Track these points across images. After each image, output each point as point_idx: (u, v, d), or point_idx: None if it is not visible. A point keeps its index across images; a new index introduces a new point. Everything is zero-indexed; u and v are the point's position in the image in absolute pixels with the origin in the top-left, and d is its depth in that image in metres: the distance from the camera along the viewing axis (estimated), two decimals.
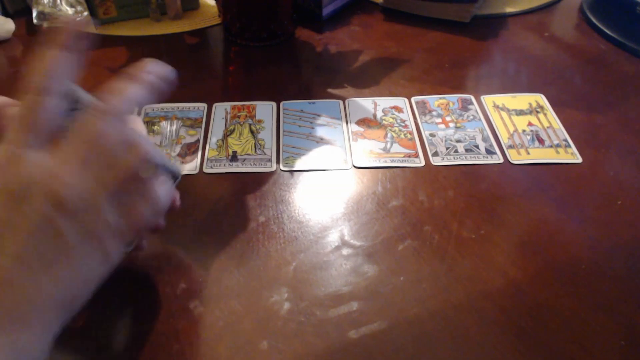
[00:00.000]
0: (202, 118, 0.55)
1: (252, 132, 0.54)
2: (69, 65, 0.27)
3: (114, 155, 0.27)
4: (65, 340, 0.30)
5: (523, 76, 0.63)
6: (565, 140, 0.53)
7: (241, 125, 0.55)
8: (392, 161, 0.51)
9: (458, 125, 0.55)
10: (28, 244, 0.24)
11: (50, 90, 0.26)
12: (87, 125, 0.26)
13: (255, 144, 0.52)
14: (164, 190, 0.31)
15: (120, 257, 0.29)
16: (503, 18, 0.75)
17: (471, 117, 0.56)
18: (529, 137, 0.53)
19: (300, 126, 0.55)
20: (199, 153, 0.51)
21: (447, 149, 0.52)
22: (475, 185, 0.48)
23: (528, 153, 0.52)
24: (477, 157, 0.51)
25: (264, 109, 0.57)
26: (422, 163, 0.50)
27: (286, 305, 0.38)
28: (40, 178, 0.24)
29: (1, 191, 0.24)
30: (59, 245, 0.24)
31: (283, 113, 0.56)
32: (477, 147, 0.52)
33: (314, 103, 0.58)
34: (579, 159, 0.51)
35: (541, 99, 0.59)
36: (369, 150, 0.52)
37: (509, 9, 0.76)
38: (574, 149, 0.52)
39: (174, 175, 0.35)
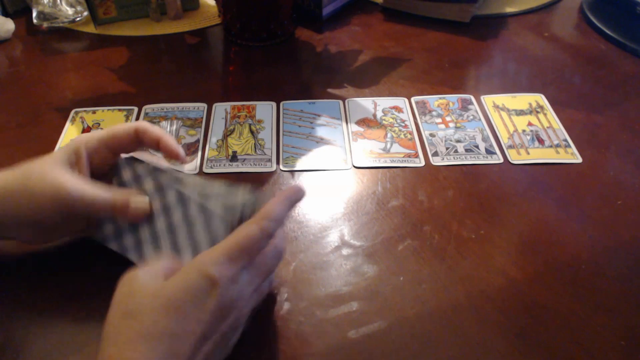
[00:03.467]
0: (202, 118, 0.55)
1: (252, 132, 0.54)
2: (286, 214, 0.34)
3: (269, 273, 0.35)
4: (66, 340, 0.30)
5: (523, 76, 0.63)
6: (565, 140, 0.53)
7: (241, 125, 0.55)
8: (392, 161, 0.51)
9: (458, 125, 0.55)
10: (214, 347, 0.30)
11: (271, 234, 0.33)
12: (267, 262, 0.34)
13: (255, 144, 0.52)
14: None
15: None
16: (503, 18, 0.75)
17: (471, 117, 0.56)
18: (529, 137, 0.53)
19: (300, 126, 0.55)
20: (199, 153, 0.51)
21: (447, 149, 0.52)
22: (475, 185, 0.48)
23: (528, 153, 0.52)
24: (477, 157, 0.51)
25: (264, 109, 0.57)
26: (422, 163, 0.50)
27: (286, 305, 0.38)
28: (237, 304, 0.31)
29: (219, 306, 0.30)
30: (223, 344, 0.32)
31: (283, 113, 0.56)
32: (477, 147, 0.52)
33: (314, 103, 0.58)
34: (579, 159, 0.51)
35: (541, 99, 0.59)
36: (369, 150, 0.52)
37: (509, 9, 0.76)
38: (574, 149, 0.52)
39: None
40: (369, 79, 0.62)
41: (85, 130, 0.54)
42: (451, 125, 0.55)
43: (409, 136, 0.54)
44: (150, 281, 0.30)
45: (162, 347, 0.28)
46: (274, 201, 0.33)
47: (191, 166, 0.50)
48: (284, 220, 0.34)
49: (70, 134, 0.53)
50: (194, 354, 0.29)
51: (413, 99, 0.58)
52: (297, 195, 0.35)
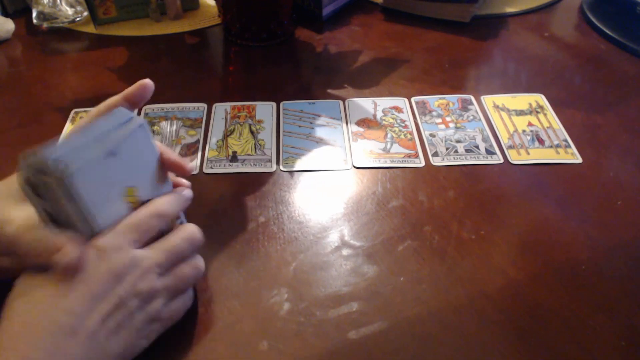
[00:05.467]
0: (202, 118, 0.55)
1: (252, 132, 0.54)
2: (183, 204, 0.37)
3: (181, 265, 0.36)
4: None
5: (523, 76, 0.63)
6: (565, 140, 0.53)
7: (241, 125, 0.55)
8: (392, 161, 0.51)
9: (458, 125, 0.55)
10: (112, 311, 0.31)
11: (162, 213, 0.35)
12: (171, 239, 0.35)
13: (255, 144, 0.52)
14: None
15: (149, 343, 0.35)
16: (503, 18, 0.75)
17: (471, 117, 0.56)
18: (529, 138, 0.53)
19: (300, 126, 0.55)
20: (199, 153, 0.51)
21: (447, 149, 0.52)
22: (475, 185, 0.48)
23: (528, 153, 0.52)
24: (477, 158, 0.51)
25: (264, 109, 0.57)
26: (422, 163, 0.50)
27: (286, 306, 0.38)
28: (133, 270, 0.32)
29: (108, 270, 0.31)
30: (127, 321, 0.32)
31: (283, 113, 0.56)
32: (477, 147, 0.52)
33: (314, 103, 0.58)
34: (579, 159, 0.51)
35: (541, 99, 0.59)
36: (369, 150, 0.52)
37: (509, 9, 0.76)
38: (574, 149, 0.52)
39: None
40: (369, 79, 0.62)
41: None
42: (451, 125, 0.55)
43: (409, 136, 0.54)
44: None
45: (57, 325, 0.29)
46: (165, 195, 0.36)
47: (191, 166, 0.50)
48: (178, 204, 0.36)
49: None
50: (87, 315, 0.30)
51: (413, 99, 0.58)
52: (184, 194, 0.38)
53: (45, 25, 0.70)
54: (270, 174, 0.49)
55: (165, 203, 0.35)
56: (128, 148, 0.32)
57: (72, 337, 0.29)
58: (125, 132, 0.32)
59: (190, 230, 0.36)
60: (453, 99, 0.59)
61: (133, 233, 0.33)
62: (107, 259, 0.31)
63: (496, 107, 0.58)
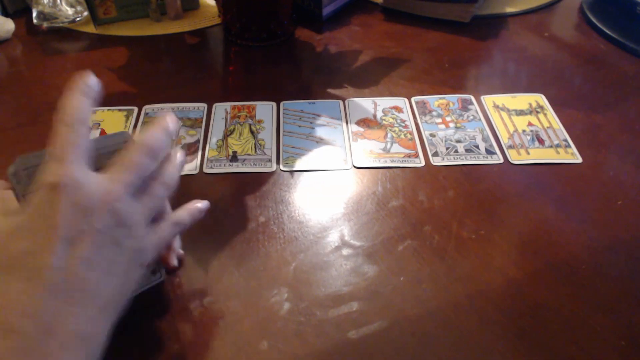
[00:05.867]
0: (202, 118, 0.55)
1: (252, 132, 0.54)
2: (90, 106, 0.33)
3: (151, 183, 0.33)
4: None
5: (523, 76, 0.63)
6: (565, 140, 0.53)
7: (241, 125, 0.55)
8: (392, 161, 0.51)
9: (458, 125, 0.55)
10: (94, 249, 0.28)
11: (85, 122, 0.32)
12: (133, 154, 0.32)
13: (255, 144, 0.52)
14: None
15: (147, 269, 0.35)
16: (503, 18, 0.75)
17: (471, 117, 0.56)
18: (529, 137, 0.53)
19: (300, 126, 0.55)
20: (199, 153, 0.51)
21: (447, 149, 0.52)
22: (475, 185, 0.48)
23: (528, 153, 0.52)
24: (477, 157, 0.51)
25: (264, 109, 0.57)
26: (422, 163, 0.50)
27: (286, 306, 0.38)
28: (103, 195, 0.29)
29: (71, 205, 0.28)
30: (117, 252, 0.30)
31: (283, 113, 0.56)
32: (477, 147, 0.52)
33: (314, 103, 0.58)
34: (579, 159, 0.51)
35: (541, 99, 0.59)
36: (369, 150, 0.52)
37: (509, 9, 0.76)
38: (574, 149, 0.52)
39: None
40: (369, 79, 0.62)
41: None
42: (451, 125, 0.55)
43: (409, 136, 0.54)
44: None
45: (18, 271, 0.27)
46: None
47: (191, 166, 0.50)
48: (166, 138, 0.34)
49: None
50: (67, 263, 0.27)
51: (413, 99, 0.58)
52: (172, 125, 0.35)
53: (45, 25, 0.70)
54: (271, 173, 0.49)
55: (151, 136, 0.33)
56: None
57: (61, 294, 0.27)
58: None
59: (148, 142, 0.33)
60: (453, 99, 0.59)
61: (79, 155, 0.30)
62: (63, 192, 0.28)
63: (496, 107, 0.58)
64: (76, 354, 0.27)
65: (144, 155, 0.33)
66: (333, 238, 0.43)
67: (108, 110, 0.56)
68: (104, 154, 0.32)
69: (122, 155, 0.32)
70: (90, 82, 0.33)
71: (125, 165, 0.32)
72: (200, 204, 0.39)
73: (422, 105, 0.58)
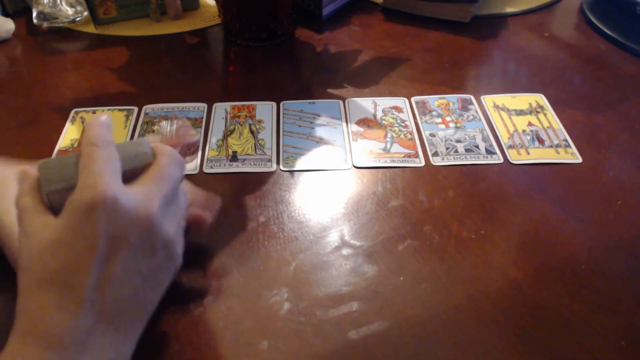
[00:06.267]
0: (202, 118, 0.55)
1: (252, 132, 0.54)
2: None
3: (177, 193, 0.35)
4: None
5: (523, 76, 0.63)
6: (565, 140, 0.53)
7: (241, 125, 0.55)
8: (392, 161, 0.51)
9: (458, 125, 0.55)
10: (129, 263, 0.29)
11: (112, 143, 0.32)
12: (166, 167, 0.33)
13: (255, 144, 0.52)
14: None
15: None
16: (503, 18, 0.75)
17: (471, 117, 0.56)
18: (529, 137, 0.53)
19: (300, 126, 0.55)
20: (199, 153, 0.51)
21: (447, 149, 0.52)
22: (475, 185, 0.48)
23: (528, 153, 0.52)
24: (477, 157, 0.51)
25: (264, 109, 0.57)
26: (422, 163, 0.50)
27: (286, 305, 0.38)
28: (138, 210, 0.30)
29: (108, 222, 0.28)
30: (153, 263, 0.31)
31: (283, 113, 0.56)
32: (477, 147, 0.52)
33: (314, 103, 0.58)
34: (579, 159, 0.51)
35: (541, 99, 0.59)
36: (369, 150, 0.52)
37: (509, 9, 0.76)
38: (574, 149, 0.52)
39: None
40: (369, 79, 0.62)
41: None
42: (451, 125, 0.55)
43: (409, 136, 0.54)
44: (34, 222, 0.29)
45: (55, 286, 0.28)
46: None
47: (191, 166, 0.50)
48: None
49: (70, 134, 0.53)
50: (98, 279, 0.28)
51: (413, 99, 0.58)
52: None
53: (45, 25, 0.70)
54: (271, 173, 0.49)
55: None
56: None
57: (95, 311, 0.28)
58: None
59: (175, 152, 0.35)
60: (453, 98, 0.59)
61: (119, 173, 0.31)
62: (101, 212, 0.28)
63: (496, 107, 0.58)
64: None
65: (174, 165, 0.34)
66: (333, 238, 0.43)
67: (108, 110, 0.56)
68: (125, 163, 0.32)
69: (153, 166, 0.33)
70: (104, 119, 0.34)
71: (159, 177, 0.32)
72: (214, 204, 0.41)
73: (422, 105, 0.58)
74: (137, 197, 0.30)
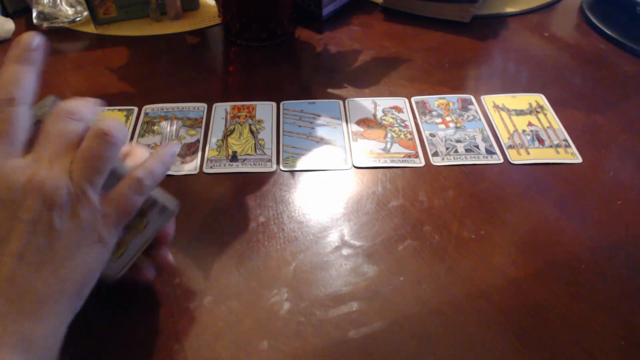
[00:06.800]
0: (202, 118, 0.55)
1: (252, 132, 0.54)
2: (31, 76, 0.30)
3: (85, 148, 0.29)
4: (65, 341, 0.30)
5: (523, 76, 0.63)
6: (565, 140, 0.53)
7: (241, 125, 0.55)
8: (392, 161, 0.51)
9: (458, 125, 0.55)
10: (26, 242, 0.26)
11: (19, 101, 0.28)
12: (52, 125, 0.29)
13: (255, 144, 0.52)
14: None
15: (114, 240, 0.31)
16: (503, 18, 0.75)
17: (471, 117, 0.56)
18: (529, 137, 0.53)
19: (300, 126, 0.55)
20: (199, 153, 0.51)
21: (447, 149, 0.52)
22: (475, 185, 0.48)
23: (528, 153, 0.52)
24: (477, 157, 0.51)
25: (264, 109, 0.57)
26: (422, 163, 0.50)
27: (286, 305, 0.38)
28: (24, 182, 0.26)
29: None
30: (55, 238, 0.27)
31: (283, 113, 0.56)
32: (477, 147, 0.52)
33: (314, 103, 0.58)
34: (579, 159, 0.51)
35: (541, 99, 0.59)
36: (369, 150, 0.52)
37: (509, 9, 0.76)
38: (574, 149, 0.52)
39: (170, 211, 0.36)
40: (369, 79, 0.62)
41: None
42: (451, 125, 0.55)
43: (409, 136, 0.54)
44: None
45: None
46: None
47: (191, 166, 0.50)
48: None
49: None
50: None
51: (413, 99, 0.58)
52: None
53: (45, 25, 0.70)
54: (270, 173, 0.49)
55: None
56: None
57: None
58: None
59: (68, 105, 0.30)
60: (453, 98, 0.59)
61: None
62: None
63: (496, 107, 0.58)
64: (19, 357, 0.25)
65: (64, 119, 0.29)
66: (333, 238, 0.43)
67: (108, 110, 0.56)
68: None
69: (44, 126, 0.29)
70: (35, 43, 0.30)
71: (44, 138, 0.28)
72: (171, 147, 0.34)
73: (422, 105, 0.58)
74: (22, 167, 0.27)
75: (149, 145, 0.52)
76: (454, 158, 0.51)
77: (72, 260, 0.28)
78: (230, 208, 0.46)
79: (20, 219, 0.26)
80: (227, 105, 0.57)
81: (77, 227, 0.28)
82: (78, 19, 0.71)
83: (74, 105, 0.30)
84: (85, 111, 0.30)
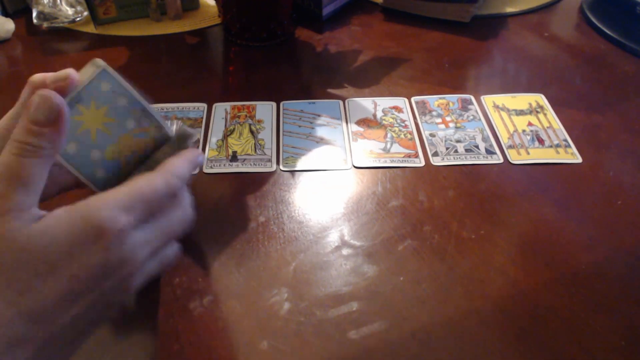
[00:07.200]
0: (202, 118, 0.55)
1: (252, 132, 0.54)
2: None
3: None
4: None
5: (523, 76, 0.63)
6: (565, 140, 0.53)
7: (241, 125, 0.55)
8: (392, 161, 0.51)
9: (458, 125, 0.55)
10: (83, 313, 0.26)
11: (175, 192, 0.31)
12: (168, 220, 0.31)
13: (255, 144, 0.52)
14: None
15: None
16: (503, 18, 0.75)
17: (471, 117, 0.56)
18: (529, 137, 0.53)
19: (300, 126, 0.55)
20: None
21: (447, 149, 0.52)
22: (475, 185, 0.48)
23: (528, 153, 0.52)
24: (477, 157, 0.51)
25: (264, 109, 0.57)
26: (422, 163, 0.50)
27: (286, 305, 0.38)
28: (129, 262, 0.27)
29: (101, 264, 0.26)
30: (102, 309, 0.28)
31: (283, 113, 0.56)
32: (477, 147, 0.52)
33: (314, 103, 0.58)
34: (579, 159, 0.51)
35: (541, 99, 0.59)
36: (369, 150, 0.52)
37: (509, 9, 0.76)
38: (574, 149, 0.52)
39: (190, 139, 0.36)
40: (369, 79, 0.62)
41: None
42: (451, 125, 0.55)
43: (409, 136, 0.54)
44: (17, 225, 0.25)
45: (17, 307, 0.24)
46: (179, 160, 0.31)
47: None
48: (187, 181, 0.32)
49: None
50: (57, 314, 0.25)
51: (413, 99, 0.58)
52: (198, 160, 0.33)
53: (45, 25, 0.70)
54: (270, 173, 0.49)
55: (179, 168, 0.30)
56: (94, 95, 0.31)
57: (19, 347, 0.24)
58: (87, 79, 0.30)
59: (188, 211, 0.32)
60: (453, 98, 0.59)
61: (143, 210, 0.27)
62: (106, 248, 0.25)
63: (496, 107, 0.58)
64: None
65: (182, 224, 0.32)
66: (333, 238, 0.43)
67: None
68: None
69: (162, 219, 0.30)
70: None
71: (162, 231, 0.30)
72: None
73: (422, 105, 0.58)
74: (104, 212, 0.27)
75: None
76: (454, 158, 0.51)
77: (98, 318, 0.29)
78: (230, 208, 0.46)
79: (99, 288, 0.26)
80: (227, 105, 0.57)
81: (111, 312, 0.29)
82: (78, 19, 0.71)
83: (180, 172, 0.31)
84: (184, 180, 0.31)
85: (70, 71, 0.29)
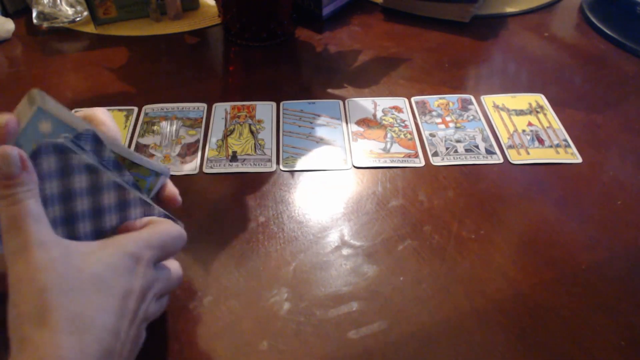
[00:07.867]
0: (202, 118, 0.55)
1: (252, 132, 0.54)
2: None
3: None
4: None
5: (523, 76, 0.63)
6: (565, 140, 0.53)
7: (241, 125, 0.55)
8: (392, 161, 0.51)
9: (458, 125, 0.55)
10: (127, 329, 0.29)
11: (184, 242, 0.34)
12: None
13: (255, 144, 0.52)
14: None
15: None
16: (503, 18, 0.75)
17: (471, 117, 0.56)
18: (529, 137, 0.53)
19: (300, 126, 0.55)
20: (199, 153, 0.51)
21: (447, 149, 0.52)
22: (475, 185, 0.48)
23: (528, 153, 0.52)
24: (477, 157, 0.51)
25: (264, 109, 0.57)
26: (422, 163, 0.50)
27: (286, 305, 0.38)
28: (150, 292, 0.31)
29: (142, 284, 0.30)
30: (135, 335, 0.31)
31: (283, 113, 0.56)
32: (477, 147, 0.52)
33: (314, 103, 0.58)
34: (579, 159, 0.51)
35: (541, 99, 0.59)
36: (368, 150, 0.52)
37: (509, 9, 0.76)
38: (574, 149, 0.52)
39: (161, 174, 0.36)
40: (369, 79, 0.62)
41: None
42: (451, 125, 0.55)
43: (409, 136, 0.54)
44: (67, 255, 0.28)
45: (76, 329, 0.26)
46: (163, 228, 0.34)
47: (191, 166, 0.50)
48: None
49: None
50: (128, 330, 0.29)
51: (413, 99, 0.58)
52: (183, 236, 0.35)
53: (45, 25, 0.70)
54: (270, 173, 0.49)
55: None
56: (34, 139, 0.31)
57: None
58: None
59: (180, 272, 0.35)
60: (453, 98, 0.59)
61: (161, 251, 0.32)
62: (143, 272, 0.30)
63: (496, 107, 0.58)
64: None
65: (177, 280, 0.35)
66: (333, 238, 0.43)
67: (108, 110, 0.56)
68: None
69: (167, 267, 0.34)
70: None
71: (167, 276, 0.33)
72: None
73: (422, 105, 0.58)
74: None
75: (148, 146, 0.52)
76: (454, 158, 0.51)
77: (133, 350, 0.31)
78: (230, 208, 0.46)
79: (141, 309, 0.30)
80: (227, 105, 0.57)
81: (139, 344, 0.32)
82: (78, 19, 0.71)
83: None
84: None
85: (7, 118, 0.31)
